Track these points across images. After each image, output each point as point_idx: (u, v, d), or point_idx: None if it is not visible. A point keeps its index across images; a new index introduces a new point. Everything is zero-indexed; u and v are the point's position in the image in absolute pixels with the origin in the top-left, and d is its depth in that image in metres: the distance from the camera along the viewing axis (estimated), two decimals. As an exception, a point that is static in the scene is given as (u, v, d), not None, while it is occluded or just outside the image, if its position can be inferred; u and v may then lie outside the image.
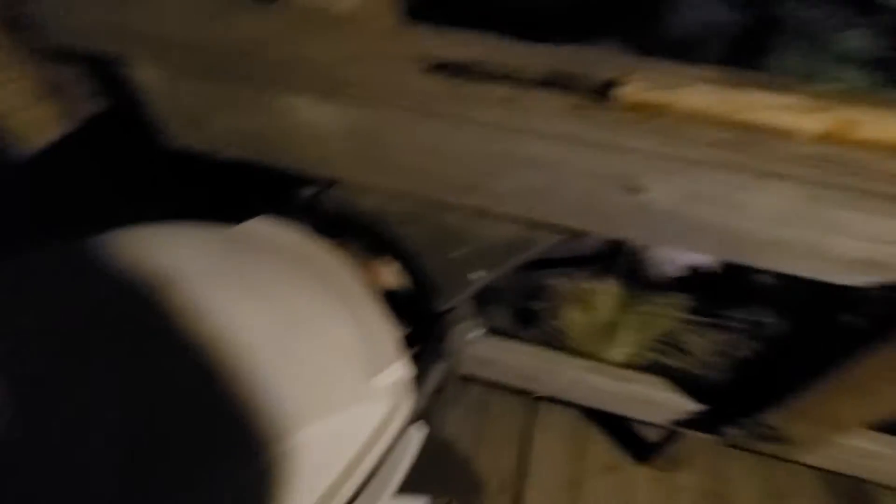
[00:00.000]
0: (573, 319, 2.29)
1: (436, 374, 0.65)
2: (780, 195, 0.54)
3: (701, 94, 0.51)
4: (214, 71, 0.66)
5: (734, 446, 1.08)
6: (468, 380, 1.25)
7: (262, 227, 0.63)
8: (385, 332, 0.56)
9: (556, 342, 2.40)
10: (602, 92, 0.53)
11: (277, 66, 0.64)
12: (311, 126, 0.67)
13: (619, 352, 2.07)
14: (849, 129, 0.49)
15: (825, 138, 0.50)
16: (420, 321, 0.68)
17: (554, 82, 0.55)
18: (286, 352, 0.48)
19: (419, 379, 0.59)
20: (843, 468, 1.06)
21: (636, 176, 0.57)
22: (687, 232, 0.62)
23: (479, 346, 1.00)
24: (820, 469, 1.34)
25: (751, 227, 0.59)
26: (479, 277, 0.66)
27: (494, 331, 1.05)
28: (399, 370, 0.53)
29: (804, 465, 1.32)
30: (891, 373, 0.67)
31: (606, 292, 2.24)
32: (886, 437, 0.98)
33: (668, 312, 2.22)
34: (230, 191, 0.85)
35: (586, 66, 0.56)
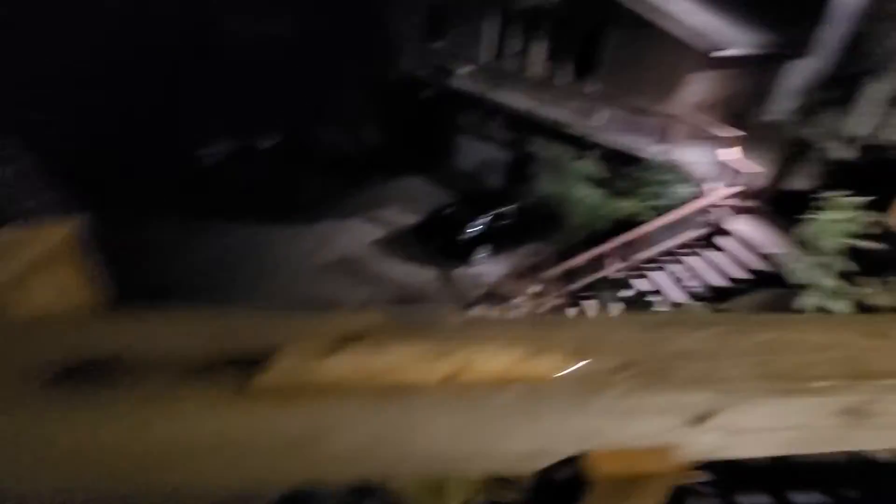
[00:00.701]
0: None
1: None
2: (447, 421, 0.61)
3: (343, 365, 0.57)
4: None
5: None
6: None
7: None
8: None
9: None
10: (250, 376, 0.54)
11: None
12: None
13: (454, 499, 2.00)
14: (462, 370, 0.59)
15: (449, 379, 0.59)
16: None
17: (206, 370, 0.54)
18: None
19: None
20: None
21: (312, 433, 0.58)
22: (378, 464, 0.64)
23: None
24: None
25: (438, 447, 0.64)
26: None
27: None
28: None
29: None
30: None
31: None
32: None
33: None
34: None
35: (237, 351, 0.57)
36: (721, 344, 0.73)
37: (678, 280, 7.83)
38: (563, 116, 10.61)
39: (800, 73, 8.31)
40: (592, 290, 8.45)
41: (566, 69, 11.86)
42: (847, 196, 4.87)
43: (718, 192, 7.94)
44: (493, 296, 9.64)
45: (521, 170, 11.22)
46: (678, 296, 7.50)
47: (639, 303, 7.30)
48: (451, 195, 11.86)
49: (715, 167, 8.37)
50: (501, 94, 11.85)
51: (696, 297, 7.40)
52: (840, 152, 6.07)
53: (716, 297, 7.22)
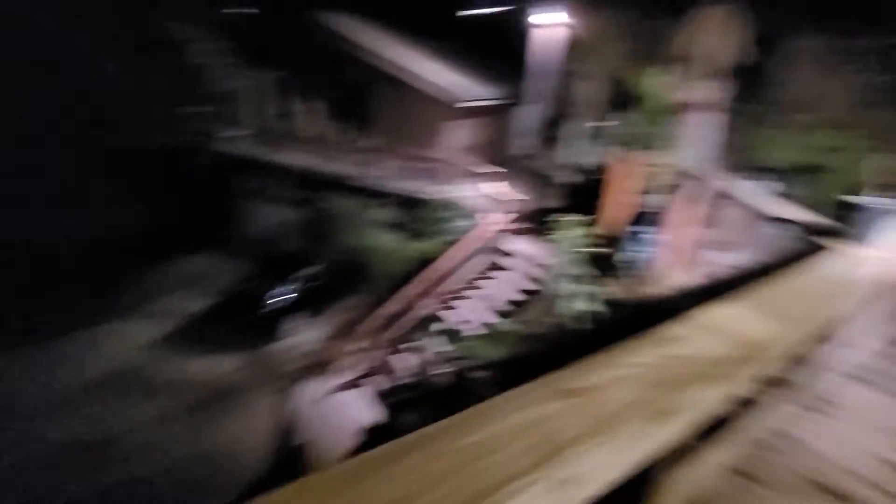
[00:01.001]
0: None
1: None
2: None
3: None
4: None
5: None
6: None
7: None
8: None
9: None
10: None
11: None
12: None
13: None
14: None
15: None
16: None
17: None
18: None
19: None
20: None
21: None
22: None
23: None
24: None
25: None
26: None
27: None
28: None
29: None
30: None
31: None
32: None
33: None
34: None
35: None
36: (418, 476, 0.67)
37: (483, 303, 8.61)
38: (347, 170, 10.86)
39: (528, 117, 10.32)
40: (412, 332, 8.64)
41: (343, 125, 12.27)
42: (575, 215, 6.19)
43: (496, 220, 9.12)
44: (317, 364, 9.00)
45: (318, 227, 10.96)
46: (486, 318, 8.22)
47: (453, 335, 7.74)
48: (248, 267, 10.80)
49: (488, 199, 9.63)
50: (282, 155, 11.50)
51: (500, 314, 8.22)
52: (565, 177, 7.74)
53: (515, 310, 8.14)
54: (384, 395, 7.88)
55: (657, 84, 6.94)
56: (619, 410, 0.91)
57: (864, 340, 3.40)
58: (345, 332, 9.25)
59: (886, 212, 2.67)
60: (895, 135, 6.19)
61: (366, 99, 11.73)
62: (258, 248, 10.97)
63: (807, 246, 3.17)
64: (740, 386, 1.21)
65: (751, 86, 8.19)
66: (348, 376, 8.51)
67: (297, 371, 8.93)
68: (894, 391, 3.55)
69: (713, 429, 2.16)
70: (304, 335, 9.67)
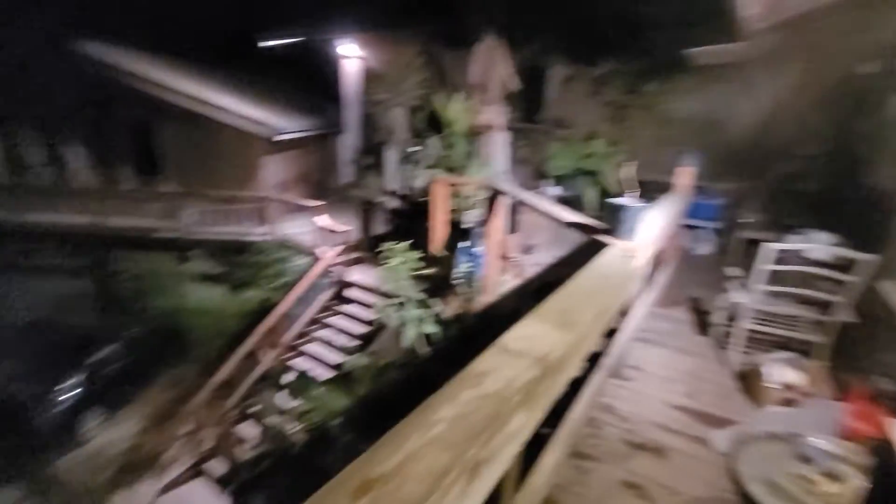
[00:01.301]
0: None
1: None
2: None
3: None
4: None
5: None
6: None
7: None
8: None
9: None
10: None
11: None
12: None
13: None
14: None
15: None
16: None
17: None
18: None
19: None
20: None
21: None
22: None
23: None
24: None
25: None
26: None
27: None
28: None
29: None
30: None
31: None
32: None
33: None
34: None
35: None
36: None
37: (329, 344, 8.14)
38: (142, 222, 9.21)
39: (345, 146, 10.27)
40: (257, 393, 7.67)
41: (124, 172, 10.43)
42: (405, 239, 6.33)
43: (328, 254, 8.76)
44: (136, 464, 7.29)
45: (111, 296, 8.98)
46: (334, 358, 7.77)
47: (302, 385, 7.11)
48: (9, 364, 8.22)
49: (316, 234, 9.20)
50: (39, 214, 9.18)
51: (347, 351, 7.85)
52: (392, 204, 7.89)
53: (364, 343, 7.88)
54: (230, 477, 6.79)
55: (460, 109, 7.60)
56: (434, 483, 0.84)
57: (639, 309, 4.18)
58: (168, 414, 7.73)
59: (638, 209, 3.33)
60: (633, 143, 7.98)
61: (159, 138, 10.17)
62: (22, 337, 8.43)
63: (589, 243, 3.73)
64: (549, 401, 1.28)
65: (530, 108, 9.65)
66: (181, 467, 7.10)
67: (110, 479, 7.10)
68: (664, 343, 4.44)
69: (553, 420, 2.31)
70: (111, 432, 7.75)
